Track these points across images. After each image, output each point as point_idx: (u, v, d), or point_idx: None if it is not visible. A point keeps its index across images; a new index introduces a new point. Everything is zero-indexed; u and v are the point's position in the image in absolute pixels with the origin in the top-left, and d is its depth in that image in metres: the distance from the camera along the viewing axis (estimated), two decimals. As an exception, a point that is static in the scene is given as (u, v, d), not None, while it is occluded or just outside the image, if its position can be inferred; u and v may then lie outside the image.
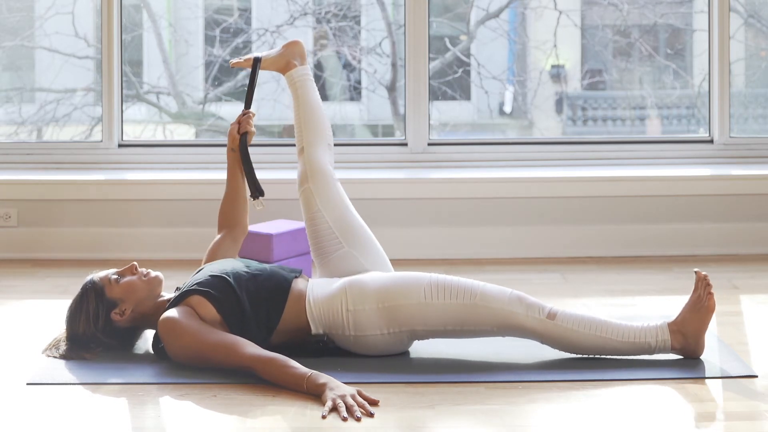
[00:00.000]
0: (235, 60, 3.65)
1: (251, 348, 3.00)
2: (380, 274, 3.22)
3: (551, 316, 3.10)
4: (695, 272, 3.16)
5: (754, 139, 5.03)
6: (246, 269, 3.20)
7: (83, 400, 2.92)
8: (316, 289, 3.19)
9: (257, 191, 3.45)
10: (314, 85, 3.60)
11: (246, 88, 3.60)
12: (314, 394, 2.88)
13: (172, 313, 3.08)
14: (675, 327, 3.12)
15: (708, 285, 3.13)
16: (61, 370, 3.11)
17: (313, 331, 3.16)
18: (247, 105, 3.56)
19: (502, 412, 2.80)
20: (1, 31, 5.23)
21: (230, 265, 3.22)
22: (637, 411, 2.80)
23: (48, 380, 3.04)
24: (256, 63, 3.59)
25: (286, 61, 3.61)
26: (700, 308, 3.12)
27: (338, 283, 3.19)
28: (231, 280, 3.13)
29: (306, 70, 3.61)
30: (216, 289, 3.12)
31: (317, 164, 3.44)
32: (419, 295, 3.11)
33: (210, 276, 3.16)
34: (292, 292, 3.17)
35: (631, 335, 3.11)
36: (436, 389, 2.95)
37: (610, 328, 3.12)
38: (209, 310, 3.10)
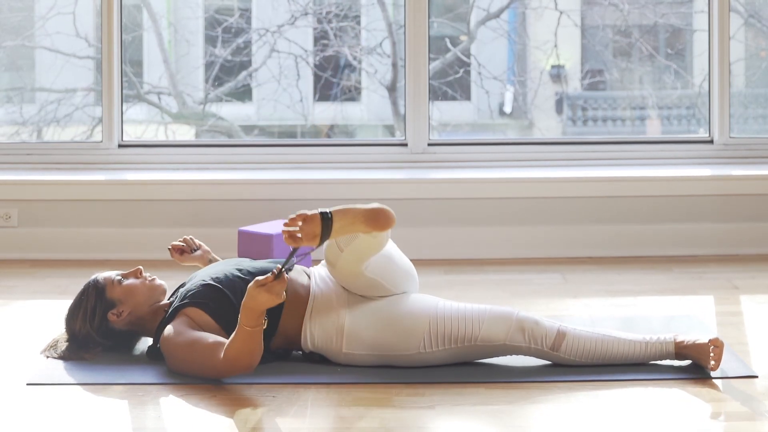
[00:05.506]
0: (297, 237, 2.97)
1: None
2: (377, 317, 3.07)
3: (555, 347, 3.07)
4: (714, 338, 3.05)
5: (754, 139, 5.03)
6: (238, 272, 3.16)
7: (83, 400, 2.92)
8: (315, 307, 3.11)
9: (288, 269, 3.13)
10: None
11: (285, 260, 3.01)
12: (256, 308, 2.85)
13: (169, 330, 3.05)
14: (680, 351, 3.10)
15: (717, 360, 3.03)
16: (60, 370, 3.11)
17: (307, 351, 3.14)
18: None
19: (502, 412, 2.80)
20: (1, 31, 5.23)
21: (221, 270, 3.17)
22: (638, 411, 2.80)
23: (48, 381, 3.04)
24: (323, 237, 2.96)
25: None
26: (704, 360, 3.06)
27: (335, 316, 3.09)
28: (225, 288, 3.09)
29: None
30: (210, 298, 3.08)
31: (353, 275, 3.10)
32: (417, 346, 3.06)
33: (202, 285, 3.12)
34: (288, 294, 3.09)
35: (636, 358, 3.10)
36: (436, 389, 2.95)
37: (615, 352, 3.09)
38: (206, 320, 3.07)
